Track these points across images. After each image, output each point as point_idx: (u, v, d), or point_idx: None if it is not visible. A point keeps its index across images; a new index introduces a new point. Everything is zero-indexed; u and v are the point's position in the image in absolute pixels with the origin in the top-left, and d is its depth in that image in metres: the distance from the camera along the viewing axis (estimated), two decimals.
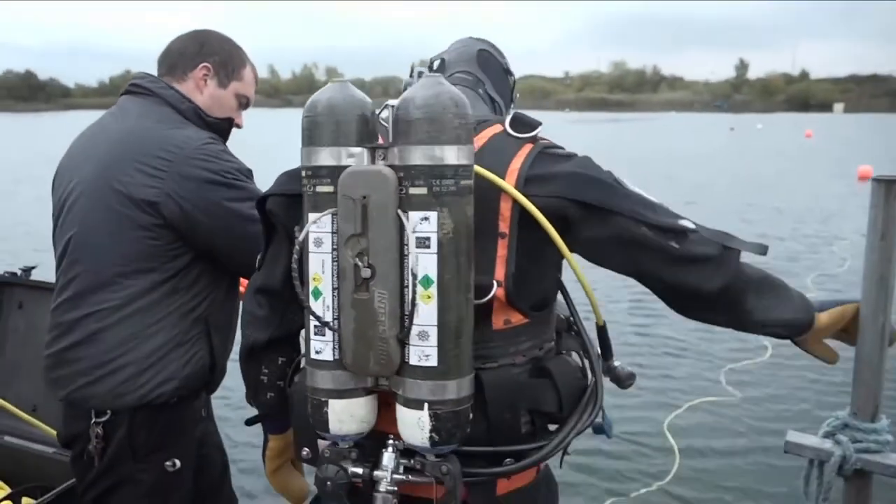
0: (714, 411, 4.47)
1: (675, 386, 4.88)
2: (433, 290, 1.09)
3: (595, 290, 1.34)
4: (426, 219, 1.08)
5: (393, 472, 1.18)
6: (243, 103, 1.92)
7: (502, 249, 1.21)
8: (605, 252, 1.28)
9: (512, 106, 1.57)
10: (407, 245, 1.09)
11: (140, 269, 1.66)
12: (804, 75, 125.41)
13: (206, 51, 1.84)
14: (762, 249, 1.33)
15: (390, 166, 1.10)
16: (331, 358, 1.15)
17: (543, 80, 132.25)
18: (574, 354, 1.39)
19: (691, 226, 1.28)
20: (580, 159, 1.29)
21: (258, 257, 1.42)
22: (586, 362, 1.38)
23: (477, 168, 1.15)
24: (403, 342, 1.11)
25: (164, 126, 1.72)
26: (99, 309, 1.67)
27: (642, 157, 24.63)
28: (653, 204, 1.28)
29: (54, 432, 2.38)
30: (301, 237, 1.14)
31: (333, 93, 1.16)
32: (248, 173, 1.75)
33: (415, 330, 1.10)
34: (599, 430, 1.44)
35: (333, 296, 1.13)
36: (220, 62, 1.85)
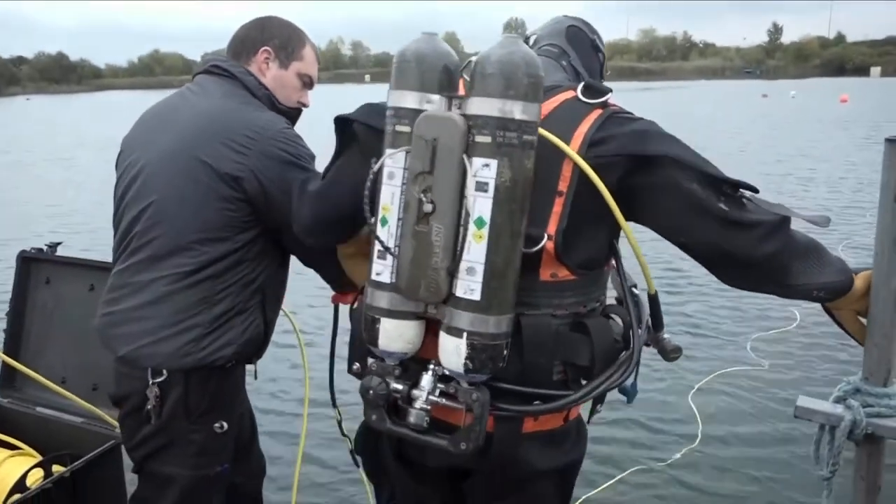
0: (740, 381, 4.43)
1: (701, 356, 4.85)
2: (485, 231, 1.18)
3: (625, 259, 1.36)
4: (487, 165, 1.17)
5: (429, 393, 1.28)
6: (306, 82, 2.01)
7: (558, 206, 1.28)
8: (657, 207, 1.32)
9: (608, 74, 1.64)
10: (467, 187, 1.18)
11: (216, 238, 1.76)
12: (840, 38, 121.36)
13: (266, 35, 1.94)
14: (823, 223, 1.42)
15: (462, 115, 1.19)
16: (388, 281, 1.26)
17: None
18: (619, 319, 1.44)
19: (747, 190, 1.30)
20: (645, 121, 1.34)
21: (325, 167, 1.54)
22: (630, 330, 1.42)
23: (541, 131, 1.23)
24: (452, 274, 1.21)
25: (249, 108, 1.83)
26: (174, 272, 1.76)
27: (671, 125, 24.23)
28: (709, 162, 1.30)
29: (84, 402, 2.48)
30: (376, 168, 1.25)
31: (422, 43, 1.27)
32: (314, 159, 1.86)
33: (464, 265, 1.19)
34: (623, 391, 1.50)
35: (398, 225, 1.24)
36: (280, 45, 1.95)
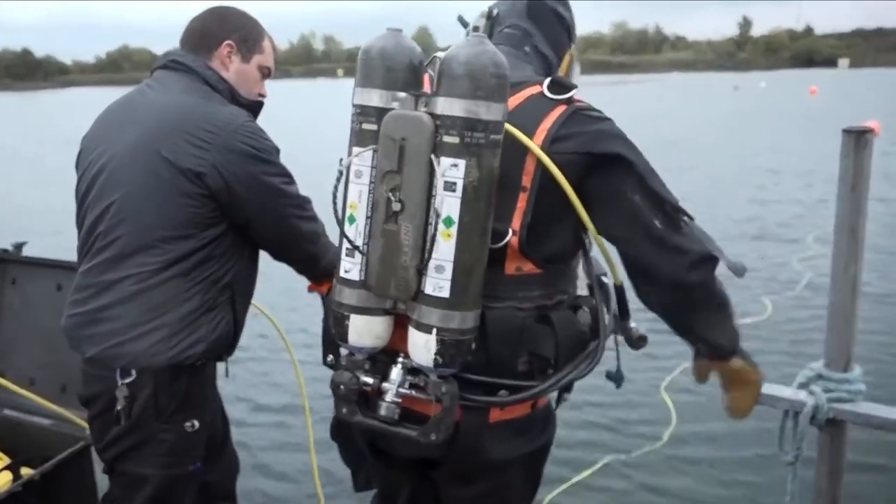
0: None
1: (674, 346, 4.87)
2: (453, 229, 1.20)
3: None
4: (455, 165, 1.18)
5: (399, 386, 1.31)
6: (265, 74, 2.00)
7: (522, 202, 1.31)
8: (603, 211, 1.34)
9: (573, 46, 1.61)
10: (435, 187, 1.20)
11: (181, 235, 1.74)
12: (809, 31, 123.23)
13: (227, 28, 1.91)
14: (740, 271, 1.38)
15: (430, 114, 1.21)
16: (357, 278, 1.28)
17: None
18: (587, 310, 1.47)
19: (685, 216, 1.33)
20: (608, 122, 1.35)
21: None
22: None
23: (507, 126, 1.25)
24: (421, 272, 1.23)
25: (210, 102, 1.81)
26: (140, 271, 1.74)
27: (643, 118, 24.48)
28: (658, 177, 1.32)
29: (52, 405, 2.44)
30: (344, 166, 1.27)
31: (387, 40, 1.26)
32: (278, 152, 1.85)
33: (432, 263, 1.21)
34: (610, 377, 1.60)
35: (366, 224, 1.26)
36: (242, 38, 1.92)
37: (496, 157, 1.22)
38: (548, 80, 1.36)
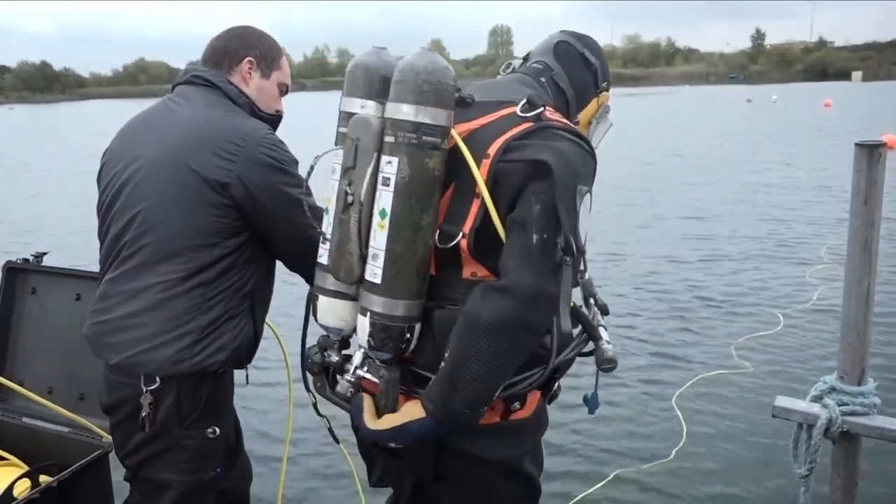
0: (724, 384, 4.46)
1: (686, 358, 4.89)
2: (386, 221, 1.31)
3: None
4: (389, 162, 1.30)
5: (356, 368, 1.42)
6: (283, 91, 2.07)
7: (474, 207, 1.36)
8: (516, 203, 1.34)
9: (601, 93, 1.65)
10: (378, 182, 1.32)
11: (206, 244, 1.79)
12: (822, 43, 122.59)
13: (247, 45, 1.99)
14: (560, 343, 1.41)
15: (380, 117, 1.34)
16: (325, 262, 1.42)
17: None
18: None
19: (568, 255, 1.32)
20: (568, 141, 1.36)
21: None
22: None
23: (456, 137, 1.35)
24: (364, 260, 1.34)
25: (234, 116, 1.87)
26: (166, 279, 1.78)
27: (654, 131, 24.45)
28: (574, 212, 1.31)
29: (69, 413, 2.47)
30: (313, 163, 1.43)
31: (370, 56, 1.42)
32: (297, 164, 1.90)
33: (370, 251, 1.33)
34: (585, 401, 1.59)
35: (333, 214, 1.39)
36: (261, 55, 2.00)
37: (432, 158, 1.30)
38: (524, 100, 1.40)
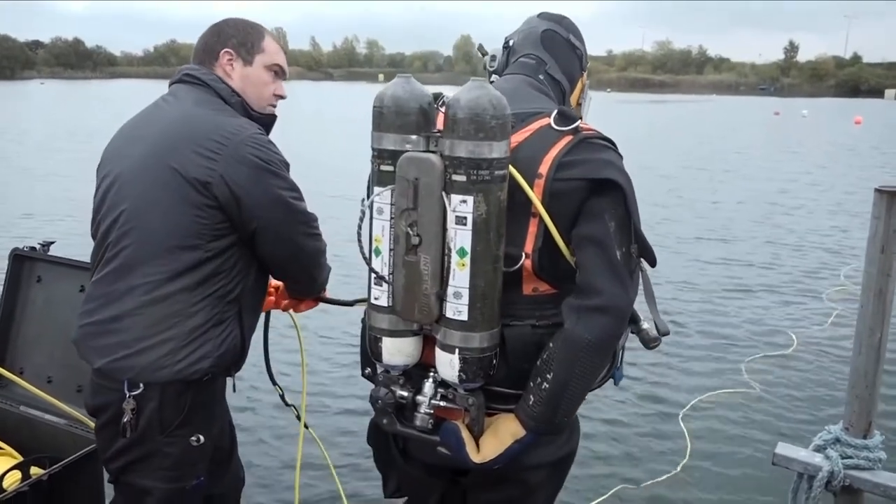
0: (731, 403, 4.41)
1: (695, 375, 4.83)
2: (467, 259, 1.31)
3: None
4: (464, 201, 1.28)
5: (431, 398, 1.43)
6: (277, 72, 1.99)
7: (533, 227, 1.40)
8: (582, 222, 1.40)
9: (585, 73, 1.70)
10: (448, 221, 1.30)
11: (187, 245, 1.74)
12: (856, 59, 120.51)
13: (223, 37, 1.93)
14: (650, 342, 1.51)
15: (440, 154, 1.31)
16: (386, 304, 1.41)
17: None
18: None
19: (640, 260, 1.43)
20: (613, 152, 1.43)
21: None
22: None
23: (511, 170, 1.35)
24: (442, 298, 1.34)
25: (220, 114, 1.82)
26: (147, 281, 1.75)
27: (679, 139, 24.23)
28: (639, 220, 1.40)
29: (66, 406, 2.47)
30: (366, 206, 1.39)
31: (397, 87, 1.36)
32: (288, 166, 1.85)
33: (450, 290, 1.33)
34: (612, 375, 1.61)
35: (390, 255, 1.38)
36: (239, 42, 1.93)
37: (502, 190, 1.31)
38: (555, 112, 1.43)
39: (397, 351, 1.42)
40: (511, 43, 1.68)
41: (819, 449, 1.54)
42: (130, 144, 1.85)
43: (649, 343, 1.55)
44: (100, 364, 1.78)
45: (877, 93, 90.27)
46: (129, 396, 1.75)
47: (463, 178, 1.27)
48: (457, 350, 1.33)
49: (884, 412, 4.27)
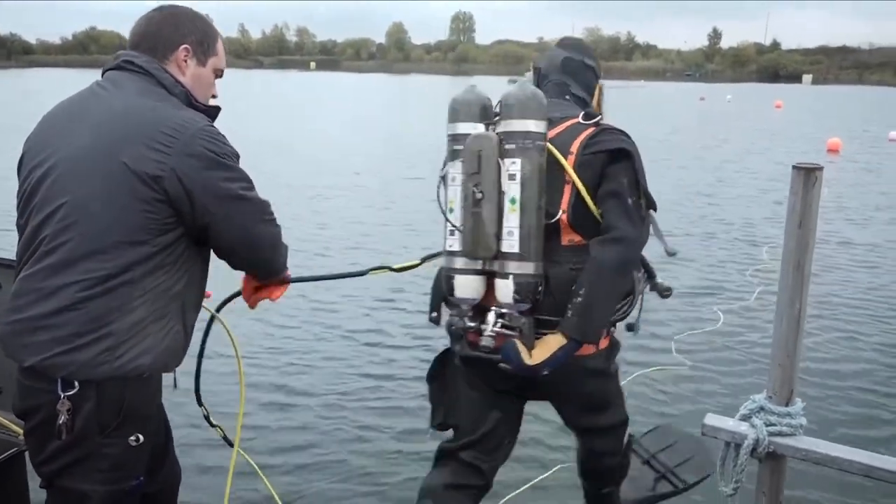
0: (664, 379, 4.53)
1: (628, 352, 4.92)
2: (516, 206, 1.76)
3: None
4: (514, 162, 1.75)
5: (493, 325, 1.82)
6: (219, 76, 1.98)
7: (567, 191, 1.85)
8: (603, 184, 1.86)
9: (599, 80, 2.18)
10: (502, 179, 1.76)
11: (134, 241, 1.68)
12: (775, 45, 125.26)
13: (182, 31, 1.88)
14: (671, 252, 2.22)
15: (496, 133, 1.80)
16: (458, 249, 1.83)
17: (517, 46, 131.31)
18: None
19: (648, 207, 1.96)
20: (627, 138, 1.91)
21: None
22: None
23: (549, 146, 1.83)
24: (499, 237, 1.78)
25: (167, 106, 1.77)
26: (86, 278, 1.67)
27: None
28: (645, 178, 1.91)
29: None
30: (441, 174, 1.93)
31: (467, 93, 1.91)
32: (238, 157, 1.83)
33: (505, 230, 1.77)
34: (630, 327, 2.14)
35: (462, 211, 1.82)
36: (198, 41, 1.90)
37: (542, 156, 1.78)
38: (582, 113, 1.95)
39: (466, 286, 1.80)
40: (540, 69, 2.16)
41: (745, 418, 1.60)
42: (66, 134, 1.77)
43: (662, 293, 2.16)
44: (31, 362, 1.70)
45: (795, 78, 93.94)
46: (64, 397, 1.67)
47: (512, 146, 1.73)
48: (511, 276, 1.74)
49: (805, 382, 4.49)
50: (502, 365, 1.80)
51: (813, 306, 6.04)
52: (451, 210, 1.81)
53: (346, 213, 9.75)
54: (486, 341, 1.80)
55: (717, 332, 5.37)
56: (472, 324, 1.83)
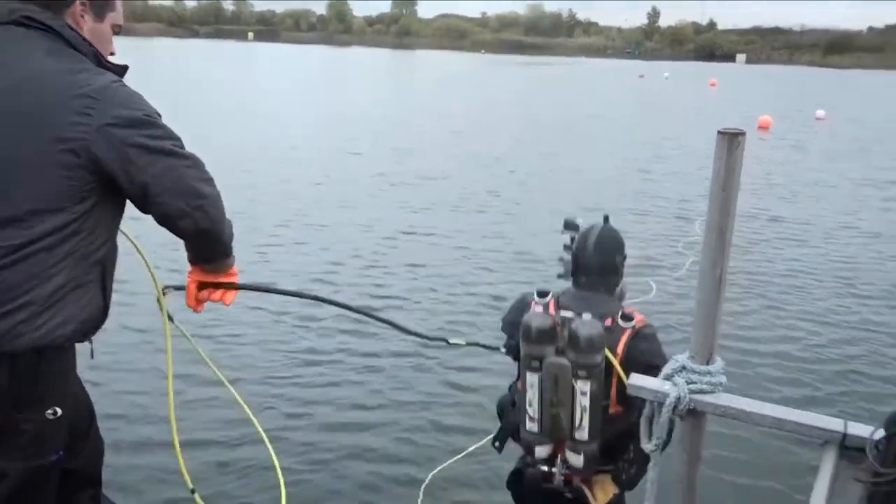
0: None
1: None
2: (587, 412, 2.05)
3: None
4: (586, 384, 2.03)
5: (560, 472, 2.18)
6: (117, 32, 1.89)
7: (614, 384, 2.13)
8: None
9: (623, 272, 2.37)
10: (575, 393, 2.05)
11: (52, 209, 1.62)
12: (712, 25, 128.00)
13: None
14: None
15: (568, 360, 2.04)
16: (537, 431, 2.16)
17: (460, 20, 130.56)
18: None
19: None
20: (654, 338, 2.20)
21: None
22: None
23: (608, 355, 2.09)
24: (572, 427, 2.10)
25: (81, 67, 1.69)
26: (4, 245, 1.60)
27: (549, 104, 24.88)
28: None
29: None
30: (520, 386, 2.21)
31: (535, 318, 2.12)
32: (160, 115, 1.77)
33: (575, 422, 2.08)
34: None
35: (539, 406, 2.12)
36: None
37: (602, 374, 2.05)
38: (619, 313, 2.18)
39: (542, 451, 2.17)
40: (576, 261, 2.33)
41: (668, 377, 1.64)
42: None
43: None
44: None
45: (729, 57, 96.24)
46: None
47: (584, 373, 2.01)
48: (582, 452, 2.10)
49: (728, 348, 4.66)
50: (567, 495, 2.22)
51: (741, 277, 6.27)
52: (531, 404, 2.12)
53: (283, 187, 9.59)
54: (557, 481, 2.18)
55: (650, 303, 5.53)
56: (545, 468, 2.19)
